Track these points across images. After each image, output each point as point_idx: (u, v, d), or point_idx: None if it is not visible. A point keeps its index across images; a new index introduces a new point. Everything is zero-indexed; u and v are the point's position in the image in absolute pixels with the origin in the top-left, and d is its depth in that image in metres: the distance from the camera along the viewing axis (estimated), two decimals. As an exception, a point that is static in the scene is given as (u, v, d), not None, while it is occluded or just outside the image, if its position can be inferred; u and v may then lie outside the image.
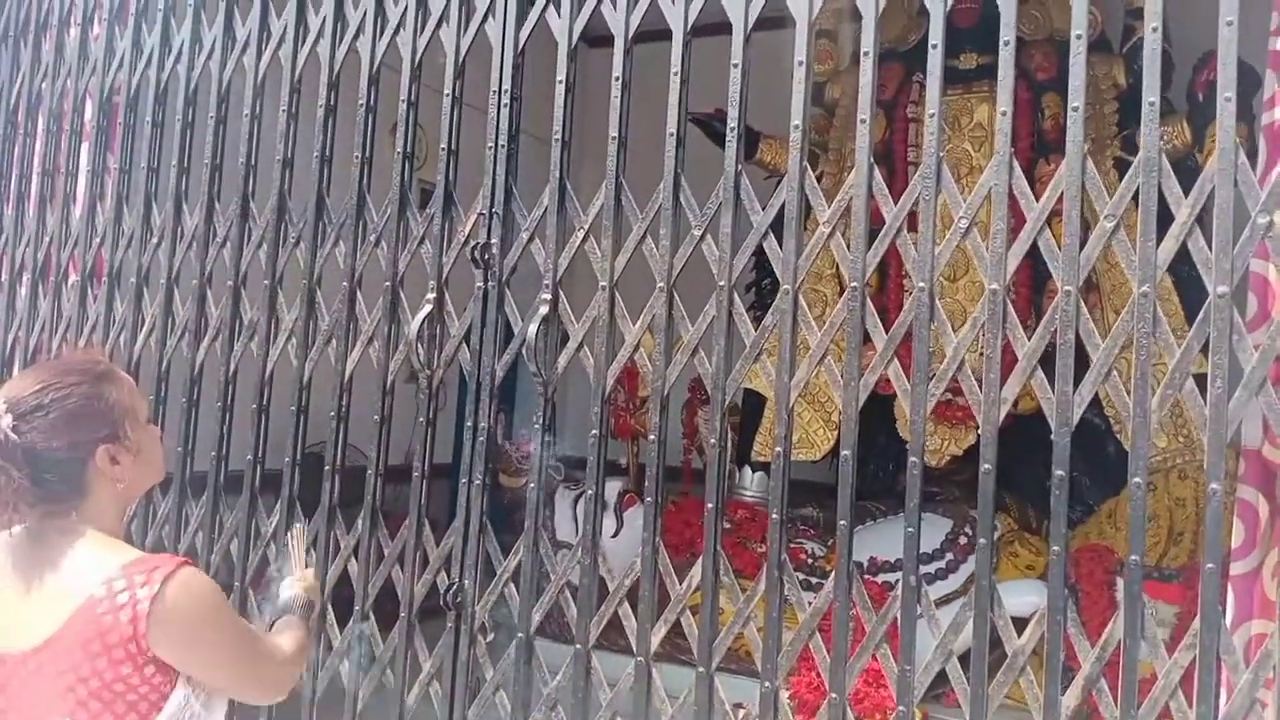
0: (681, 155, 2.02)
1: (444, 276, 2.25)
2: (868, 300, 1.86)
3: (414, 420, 2.25)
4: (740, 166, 1.97)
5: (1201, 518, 1.75)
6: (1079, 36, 1.72)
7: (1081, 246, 1.69)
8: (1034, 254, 1.74)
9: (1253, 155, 1.63)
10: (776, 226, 1.94)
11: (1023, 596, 2.61)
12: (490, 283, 2.19)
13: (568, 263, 2.13)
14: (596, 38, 2.14)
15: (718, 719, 1.92)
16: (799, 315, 1.91)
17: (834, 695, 1.83)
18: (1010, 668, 1.70)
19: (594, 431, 2.07)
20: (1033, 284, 3.36)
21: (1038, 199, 1.73)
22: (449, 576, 2.18)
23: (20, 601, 1.34)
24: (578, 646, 2.05)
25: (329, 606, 2.31)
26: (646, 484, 2.00)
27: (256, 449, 2.44)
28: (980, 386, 1.75)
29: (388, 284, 2.30)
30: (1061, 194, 1.70)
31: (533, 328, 2.10)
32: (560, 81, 2.15)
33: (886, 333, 1.83)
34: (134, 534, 2.56)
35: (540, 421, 2.13)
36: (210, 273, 2.56)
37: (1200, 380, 1.59)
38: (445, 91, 2.28)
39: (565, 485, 3.83)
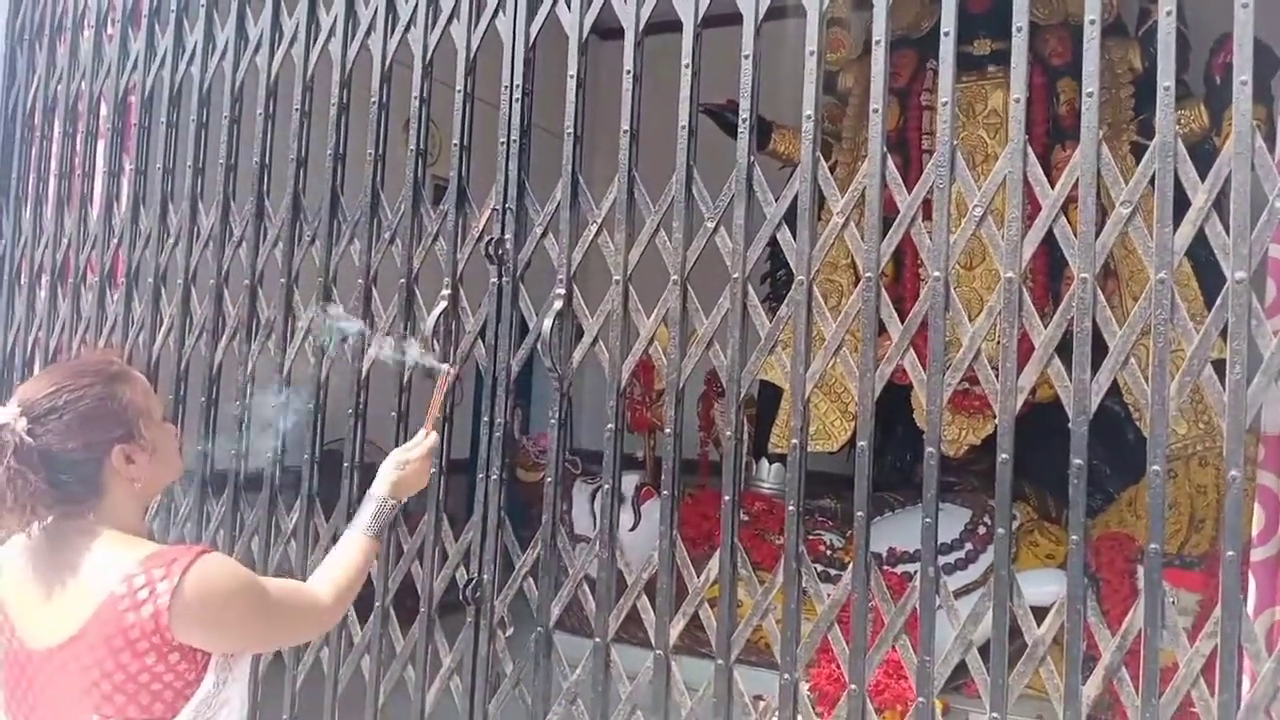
0: (694, 147, 2.01)
1: (459, 272, 2.26)
2: (883, 290, 1.86)
3: (432, 416, 2.26)
4: (753, 158, 1.96)
5: (1223, 504, 1.74)
6: (1092, 21, 1.70)
7: (1098, 233, 1.68)
8: (1050, 241, 1.73)
9: (1271, 139, 1.61)
10: (790, 217, 1.94)
11: (1043, 586, 2.60)
12: (504, 278, 2.20)
13: (581, 257, 2.13)
14: (608, 30, 2.14)
15: (737, 711, 1.93)
16: (814, 306, 1.90)
17: (854, 687, 1.82)
18: (1030, 658, 1.70)
19: (610, 425, 2.07)
20: (1050, 271, 3.35)
21: (1053, 185, 1.72)
22: (468, 571, 2.19)
23: (43, 602, 1.35)
24: (597, 640, 2.05)
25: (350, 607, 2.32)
26: (663, 477, 2.00)
27: (277, 446, 2.45)
28: (997, 375, 1.74)
29: (403, 280, 2.31)
30: (1077, 180, 1.69)
31: (547, 322, 2.10)
32: (571, 76, 2.15)
33: (902, 322, 1.82)
34: (155, 532, 2.58)
35: (555, 416, 2.13)
36: (227, 272, 2.58)
37: (1219, 366, 1.57)
38: (457, 88, 2.28)
39: (582, 479, 3.85)
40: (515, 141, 2.20)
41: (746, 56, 1.96)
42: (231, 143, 2.59)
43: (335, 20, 2.45)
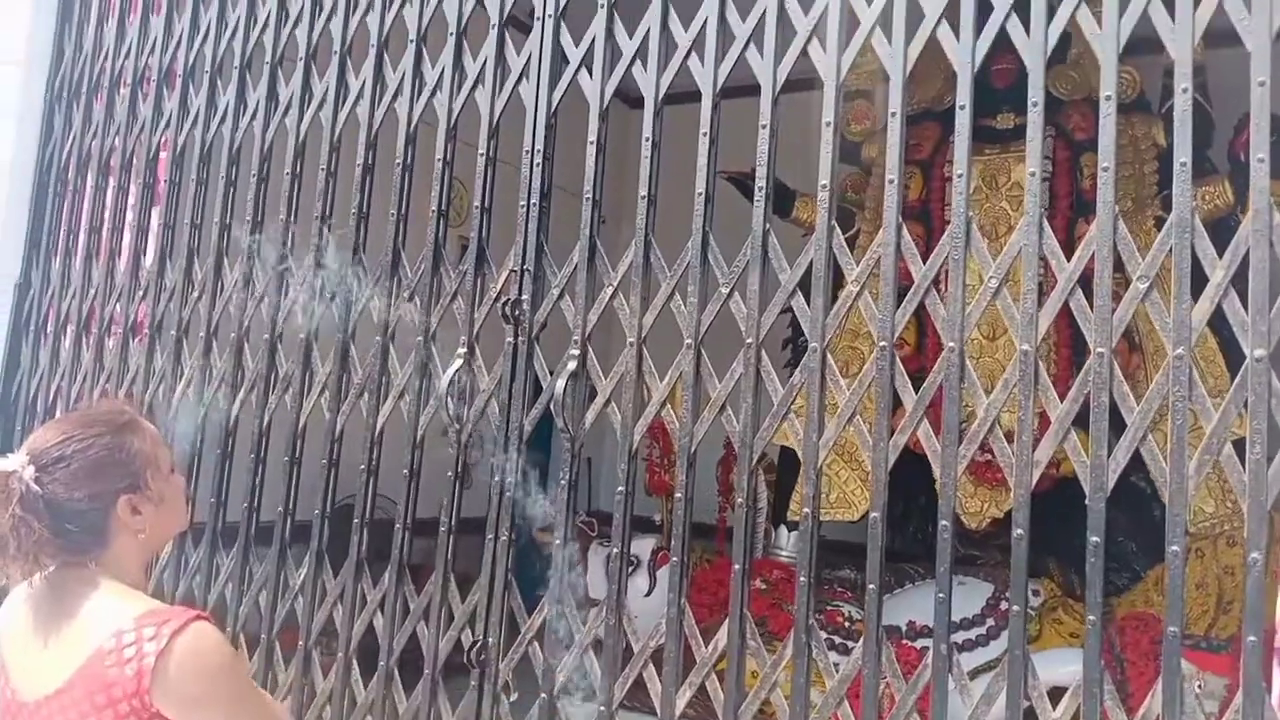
0: (710, 213, 2.02)
1: (475, 332, 2.27)
2: (897, 360, 1.84)
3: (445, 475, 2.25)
4: (768, 225, 1.97)
5: (1248, 587, 1.70)
6: (1109, 98, 1.70)
7: (1115, 307, 1.66)
8: (1073, 314, 1.72)
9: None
10: (806, 284, 1.93)
11: (1066, 666, 2.52)
12: (520, 338, 2.20)
13: (597, 319, 2.13)
14: (635, 99, 2.17)
15: (742, 786, 1.88)
16: (828, 374, 1.89)
17: (863, 765, 1.77)
18: (1045, 741, 1.65)
19: (620, 488, 2.05)
20: (1073, 345, 3.31)
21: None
22: (473, 633, 2.17)
23: (39, 651, 1.34)
24: (601, 708, 2.02)
25: (354, 661, 2.30)
26: (673, 543, 1.98)
27: (287, 501, 2.45)
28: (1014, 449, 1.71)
29: (420, 338, 2.32)
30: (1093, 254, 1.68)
31: (561, 383, 2.10)
32: (591, 142, 2.17)
33: (917, 393, 1.80)
34: (164, 583, 2.58)
35: (567, 477, 2.12)
36: (248, 326, 2.60)
37: (1240, 445, 1.54)
38: (480, 151, 2.32)
39: (599, 541, 3.80)
40: (535, 205, 2.22)
41: (764, 126, 1.98)
42: (258, 200, 2.64)
43: (364, 84, 2.50)
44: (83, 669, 1.28)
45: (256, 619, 2.46)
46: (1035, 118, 1.77)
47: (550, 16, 2.25)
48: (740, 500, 1.94)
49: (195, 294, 2.71)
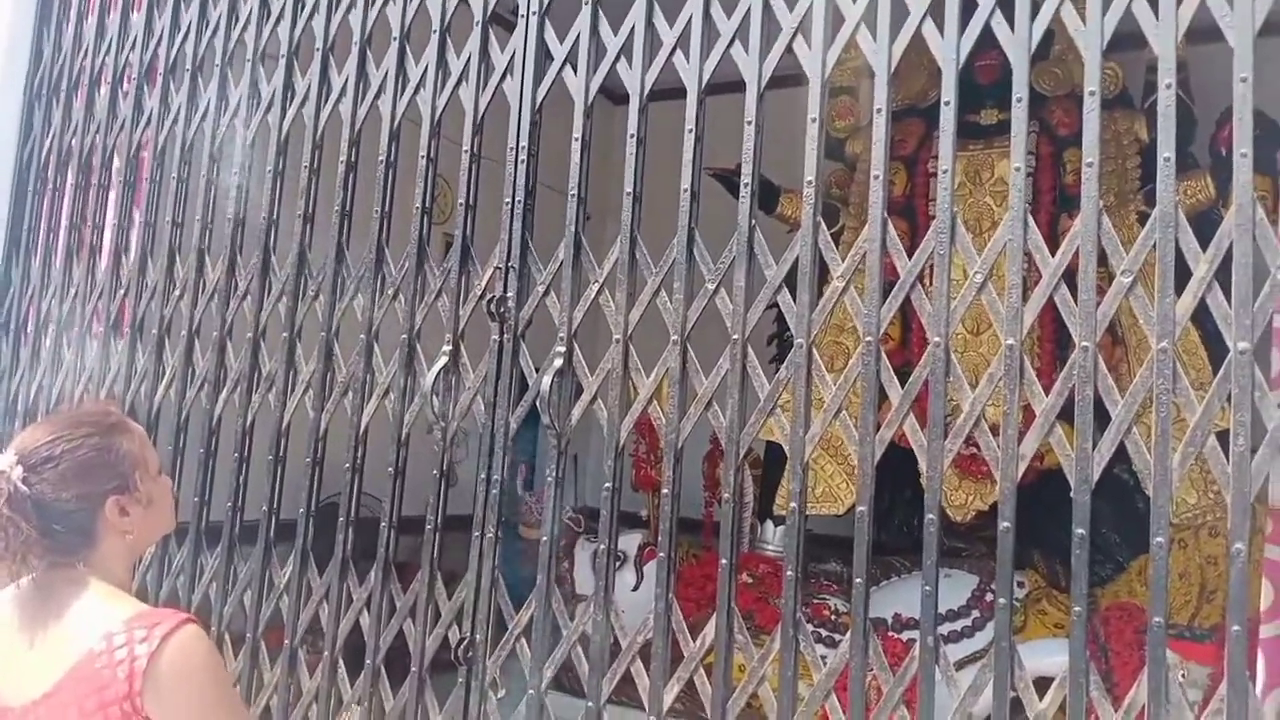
0: (696, 210, 2.02)
1: (460, 329, 2.26)
2: (883, 355, 1.85)
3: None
4: (754, 221, 1.97)
5: (1230, 578, 1.72)
6: (1092, 93, 1.71)
7: (1099, 302, 1.67)
8: (1057, 308, 1.73)
9: (1276, 210, 1.60)
10: (792, 280, 1.94)
11: (1051, 656, 2.54)
12: (505, 335, 2.20)
13: (582, 316, 2.13)
14: (620, 95, 2.16)
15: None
16: (813, 369, 1.89)
17: (850, 758, 1.78)
18: (1031, 732, 1.66)
19: (607, 484, 2.05)
20: (1057, 339, 3.33)
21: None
22: (460, 630, 2.16)
23: (26, 654, 1.33)
24: (589, 704, 2.02)
25: (339, 660, 2.29)
26: (659, 538, 1.98)
27: (272, 500, 2.44)
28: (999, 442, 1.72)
29: (404, 336, 2.31)
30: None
31: (547, 380, 2.10)
32: (576, 139, 2.17)
33: (903, 387, 1.81)
34: (148, 584, 2.56)
35: (554, 474, 2.12)
36: (231, 325, 2.59)
37: (1224, 437, 1.55)
38: (464, 148, 2.31)
39: (586, 537, 3.80)
40: (520, 202, 2.22)
41: (749, 122, 1.98)
42: (240, 198, 2.62)
43: (347, 81, 2.49)
44: (72, 672, 1.27)
45: (241, 618, 2.45)
46: (1020, 113, 1.78)
47: (534, 13, 2.25)
48: (727, 495, 1.94)
49: (177, 292, 2.69)
